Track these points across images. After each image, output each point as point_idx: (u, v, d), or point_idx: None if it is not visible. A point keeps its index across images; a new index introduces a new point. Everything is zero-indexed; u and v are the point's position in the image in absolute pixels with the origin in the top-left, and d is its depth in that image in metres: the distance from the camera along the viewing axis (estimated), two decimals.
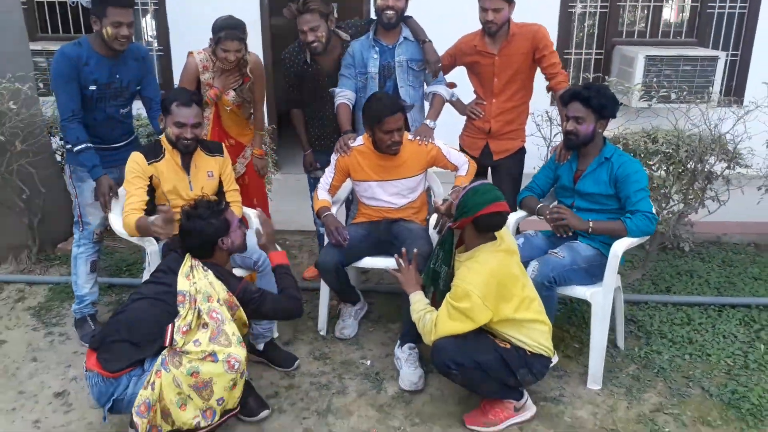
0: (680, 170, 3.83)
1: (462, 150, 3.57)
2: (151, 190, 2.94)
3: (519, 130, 3.54)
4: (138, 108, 3.44)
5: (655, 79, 4.94)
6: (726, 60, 5.25)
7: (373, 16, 3.61)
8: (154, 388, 2.31)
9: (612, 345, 3.19)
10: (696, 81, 5.04)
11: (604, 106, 2.91)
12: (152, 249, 2.88)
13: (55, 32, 5.52)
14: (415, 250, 2.77)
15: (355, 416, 2.71)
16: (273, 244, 2.84)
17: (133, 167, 2.91)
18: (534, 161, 3.68)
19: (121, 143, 3.24)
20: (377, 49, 3.40)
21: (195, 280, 2.48)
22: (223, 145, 3.20)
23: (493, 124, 3.48)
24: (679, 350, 3.15)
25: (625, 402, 2.80)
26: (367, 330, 3.37)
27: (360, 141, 3.23)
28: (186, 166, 2.98)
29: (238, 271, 2.91)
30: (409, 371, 2.89)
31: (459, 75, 3.64)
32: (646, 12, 5.47)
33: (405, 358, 2.94)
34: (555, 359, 2.69)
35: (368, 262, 3.18)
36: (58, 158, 4.10)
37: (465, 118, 3.63)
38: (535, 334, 2.58)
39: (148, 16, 5.49)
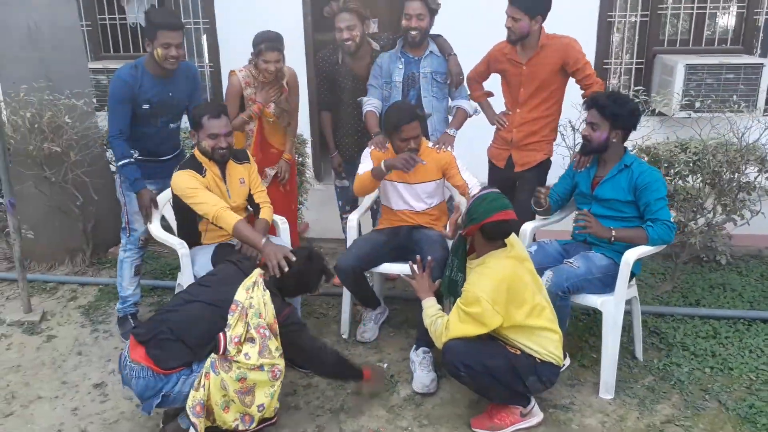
0: (714, 180, 3.76)
1: (489, 162, 3.66)
2: (178, 205, 3.10)
3: (542, 142, 3.53)
4: (185, 121, 3.66)
5: (694, 88, 4.85)
6: None
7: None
8: (205, 389, 2.45)
9: (631, 356, 3.18)
10: (740, 89, 4.90)
11: (619, 115, 2.93)
12: (183, 252, 3.09)
13: (116, 51, 5.93)
14: (429, 258, 2.87)
15: (366, 415, 2.82)
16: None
17: (193, 182, 2.97)
18: (558, 171, 3.69)
19: (169, 156, 3.47)
20: (403, 60, 3.57)
21: (252, 295, 2.59)
22: (249, 153, 3.38)
23: (515, 134, 3.53)
24: (701, 363, 3.11)
25: (636, 412, 2.79)
26: (388, 334, 3.48)
27: (387, 148, 3.36)
28: (223, 177, 3.15)
29: None
30: (422, 374, 2.98)
31: (495, 85, 3.68)
32: (689, 20, 5.36)
33: (419, 362, 3.03)
34: (567, 362, 2.72)
35: (386, 267, 3.29)
36: (112, 168, 4.42)
37: (494, 130, 3.69)
38: (545, 342, 2.62)
39: (203, 37, 5.82)
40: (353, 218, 3.42)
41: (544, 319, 2.64)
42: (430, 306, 2.74)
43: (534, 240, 3.29)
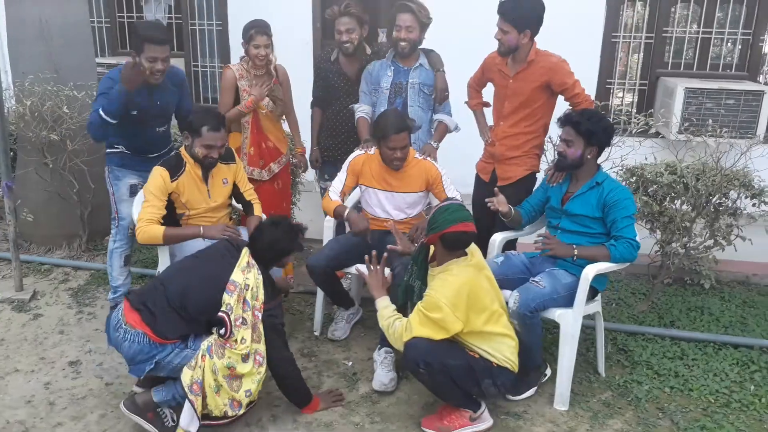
0: (699, 203, 3.75)
1: (476, 175, 3.72)
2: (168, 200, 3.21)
3: (524, 156, 3.51)
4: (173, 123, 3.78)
5: (693, 112, 4.85)
6: None
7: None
8: (201, 369, 2.58)
9: (594, 371, 3.20)
10: (740, 116, 4.88)
11: (593, 133, 2.97)
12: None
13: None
14: (385, 254, 2.94)
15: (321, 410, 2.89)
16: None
17: (158, 183, 3.10)
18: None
19: (157, 153, 3.56)
20: (393, 68, 3.68)
21: (248, 276, 2.68)
22: (234, 150, 3.47)
23: (498, 148, 3.56)
24: (662, 382, 3.12)
25: (587, 425, 2.82)
26: (359, 334, 3.55)
27: (374, 150, 3.44)
28: (205, 178, 3.25)
29: None
30: (381, 373, 3.05)
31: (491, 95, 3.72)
32: (694, 44, 5.36)
33: (380, 361, 3.10)
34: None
35: (357, 268, 3.35)
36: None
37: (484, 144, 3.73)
38: (502, 348, 2.69)
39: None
40: (330, 219, 3.51)
41: (502, 325, 2.71)
42: (384, 307, 2.80)
43: (504, 250, 3.34)
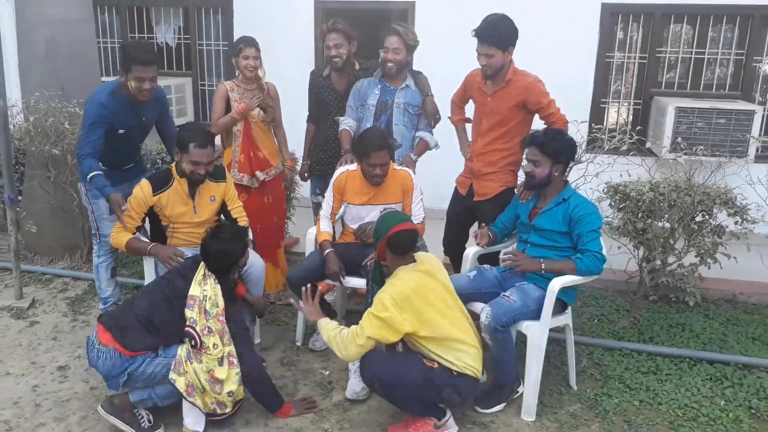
0: (684, 219, 3.79)
1: (455, 189, 3.81)
2: (150, 213, 3.35)
3: (500, 173, 3.59)
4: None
5: (684, 131, 4.90)
6: (763, 115, 5.07)
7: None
8: (189, 374, 2.75)
9: (566, 384, 3.25)
10: (731, 135, 4.91)
11: (559, 152, 3.06)
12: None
13: None
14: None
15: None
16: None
17: (138, 195, 3.26)
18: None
19: (129, 165, 3.73)
20: (380, 87, 3.81)
21: (205, 288, 2.86)
22: (225, 168, 3.62)
23: (475, 163, 3.65)
24: (632, 396, 3.15)
25: None
26: None
27: (354, 166, 3.56)
28: (192, 194, 3.36)
29: None
30: (354, 382, 3.13)
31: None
32: (688, 64, 5.42)
33: (354, 370, 3.17)
34: (483, 378, 2.83)
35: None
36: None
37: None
38: (462, 355, 2.75)
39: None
40: (311, 232, 3.62)
41: (462, 331, 2.78)
42: (326, 323, 2.83)
43: (478, 264, 3.41)
